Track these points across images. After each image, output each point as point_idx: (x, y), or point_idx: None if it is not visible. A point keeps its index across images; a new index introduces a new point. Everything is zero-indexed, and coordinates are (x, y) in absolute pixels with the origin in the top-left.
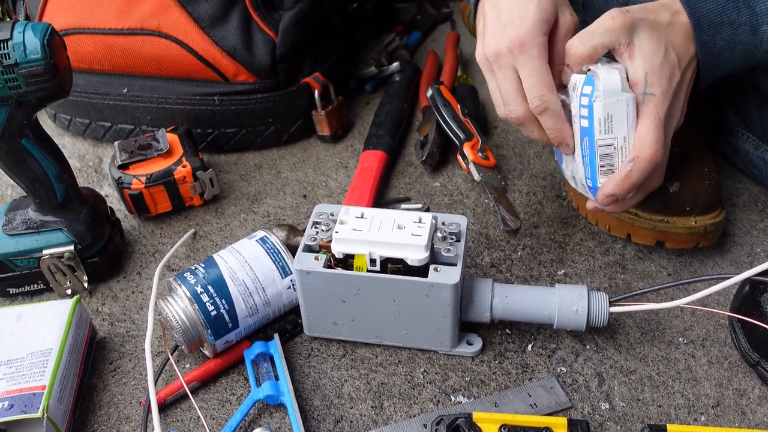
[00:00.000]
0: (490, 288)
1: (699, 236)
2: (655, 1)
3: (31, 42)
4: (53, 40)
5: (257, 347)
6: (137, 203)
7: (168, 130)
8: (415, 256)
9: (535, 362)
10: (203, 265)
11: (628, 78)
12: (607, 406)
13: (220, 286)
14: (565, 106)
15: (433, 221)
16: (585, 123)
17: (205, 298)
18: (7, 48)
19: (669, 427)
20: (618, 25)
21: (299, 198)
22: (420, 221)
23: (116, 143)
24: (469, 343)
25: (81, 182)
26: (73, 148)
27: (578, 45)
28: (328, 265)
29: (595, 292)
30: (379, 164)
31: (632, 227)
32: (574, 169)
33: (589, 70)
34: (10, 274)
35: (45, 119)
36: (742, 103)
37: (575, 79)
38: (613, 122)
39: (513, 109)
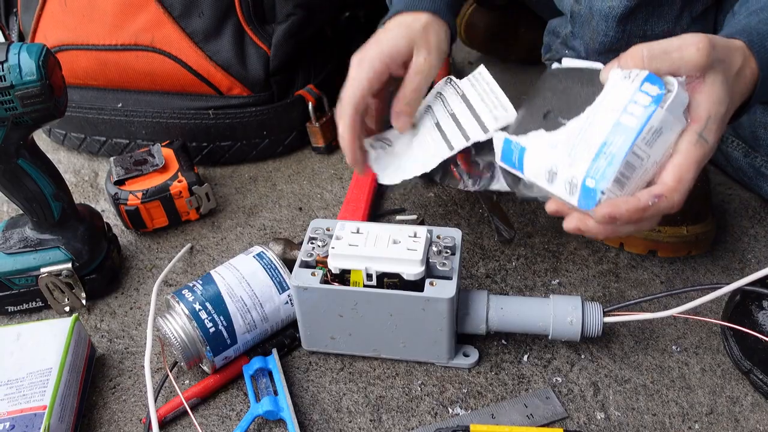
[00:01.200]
0: (485, 300)
1: (690, 245)
2: (727, 39)
3: (26, 64)
4: (48, 61)
5: (256, 362)
6: (134, 219)
7: (163, 144)
8: (411, 270)
9: (531, 373)
10: (201, 282)
11: (690, 109)
12: (603, 416)
13: (218, 302)
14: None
15: (428, 235)
16: (631, 121)
17: (203, 315)
18: (3, 70)
19: None
20: (701, 59)
21: (295, 210)
22: (415, 235)
23: (112, 159)
24: (466, 355)
25: (77, 197)
26: (68, 162)
27: (643, 57)
28: (324, 281)
29: (589, 302)
30: (373, 176)
31: (625, 237)
32: (558, 164)
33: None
34: (8, 292)
35: (40, 134)
36: None
37: (632, 70)
38: (659, 138)
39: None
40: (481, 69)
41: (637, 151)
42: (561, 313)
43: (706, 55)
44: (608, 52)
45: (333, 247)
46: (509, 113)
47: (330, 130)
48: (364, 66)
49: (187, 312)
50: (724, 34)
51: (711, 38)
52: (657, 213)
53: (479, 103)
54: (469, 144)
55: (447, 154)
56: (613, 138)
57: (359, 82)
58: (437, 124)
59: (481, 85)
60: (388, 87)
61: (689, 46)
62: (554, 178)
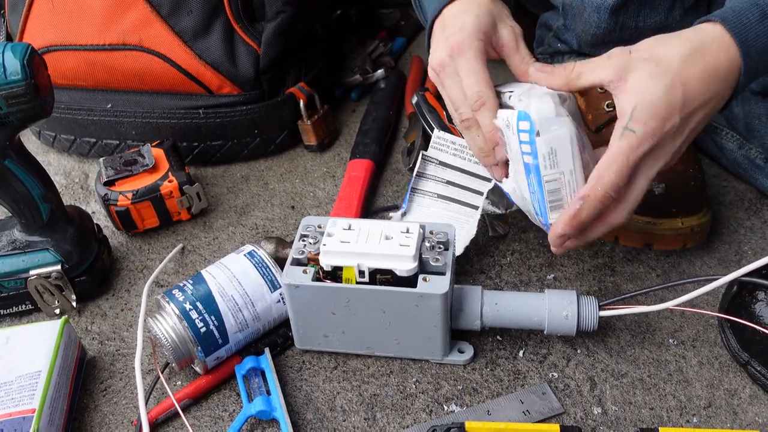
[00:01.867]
0: (479, 296)
1: (686, 237)
2: (679, 31)
3: (11, 63)
4: (33, 61)
5: (248, 362)
6: (124, 220)
7: (153, 144)
8: (404, 266)
9: (527, 368)
10: (191, 282)
11: (616, 110)
12: (600, 411)
13: (209, 302)
14: (502, 145)
15: (421, 231)
16: (529, 159)
17: (194, 314)
18: None
19: (661, 429)
20: (612, 65)
21: (287, 209)
22: (408, 231)
23: (101, 160)
24: (461, 351)
25: (67, 199)
26: (58, 164)
27: (566, 77)
28: (316, 278)
29: (585, 296)
30: (366, 173)
31: (620, 229)
32: (527, 208)
33: (520, 100)
34: None
35: (29, 136)
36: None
37: (505, 115)
38: (557, 156)
39: (462, 111)
40: (437, 133)
41: (548, 178)
42: (556, 307)
43: (617, 60)
44: (601, 44)
45: (324, 244)
46: None
47: (322, 127)
48: (465, 54)
49: (177, 312)
50: (698, 21)
51: (629, 47)
52: (593, 210)
53: (462, 162)
54: (484, 197)
55: (477, 215)
56: (529, 179)
57: (476, 71)
58: (441, 196)
59: (447, 145)
60: None
61: (602, 56)
62: (532, 217)
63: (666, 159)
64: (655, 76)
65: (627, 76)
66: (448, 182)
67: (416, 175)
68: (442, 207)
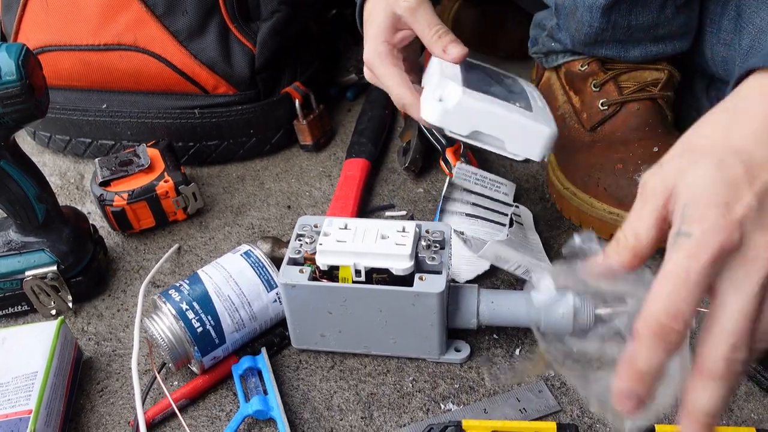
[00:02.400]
0: (476, 294)
1: None
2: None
3: (5, 63)
4: (28, 61)
5: (245, 362)
6: (120, 220)
7: (149, 144)
8: (400, 265)
9: (524, 366)
10: (188, 282)
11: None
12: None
13: (205, 302)
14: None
15: (417, 230)
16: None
17: (190, 315)
18: None
19: (657, 427)
20: (651, 208)
21: (283, 209)
22: (404, 230)
23: (97, 160)
24: (457, 350)
25: (63, 200)
26: (53, 165)
27: (618, 258)
28: (313, 278)
29: (581, 295)
30: (362, 172)
31: (616, 228)
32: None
33: None
34: None
35: (24, 136)
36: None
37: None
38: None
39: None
40: (459, 165)
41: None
42: (552, 306)
43: (653, 186)
44: (594, 43)
45: (321, 244)
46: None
47: (317, 127)
48: (375, 61)
49: (173, 312)
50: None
51: (653, 169)
52: (649, 349)
53: (484, 190)
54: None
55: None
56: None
57: (390, 75)
58: (470, 215)
59: (469, 176)
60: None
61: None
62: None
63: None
64: (697, 162)
65: (670, 187)
66: (474, 204)
67: (443, 197)
68: (471, 223)
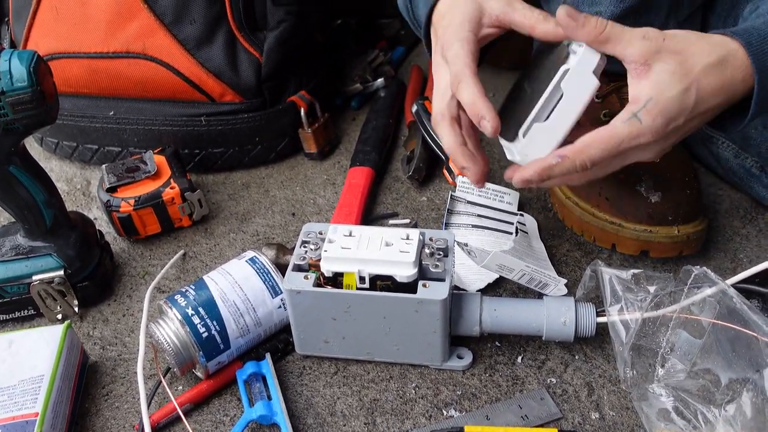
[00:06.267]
0: (478, 302)
1: (682, 245)
2: (708, 34)
3: (17, 70)
4: (39, 68)
5: (249, 367)
6: (126, 226)
7: (155, 151)
8: (404, 272)
9: (525, 374)
10: (194, 287)
11: (628, 93)
12: (597, 416)
13: (210, 307)
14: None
15: (421, 237)
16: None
17: (196, 320)
18: None
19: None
20: (643, 47)
21: (288, 216)
22: (407, 238)
23: (104, 166)
24: (460, 357)
25: (69, 205)
26: (60, 171)
27: (601, 32)
28: (317, 284)
29: (582, 303)
30: (366, 180)
31: (617, 237)
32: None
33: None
34: (0, 301)
35: (32, 142)
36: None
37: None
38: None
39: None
40: (461, 178)
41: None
42: (554, 314)
43: (650, 44)
44: None
45: (326, 250)
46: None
47: (322, 135)
48: (452, 46)
49: (179, 317)
50: (721, 31)
51: (664, 32)
52: (564, 173)
53: (488, 201)
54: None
55: (510, 240)
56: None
57: (459, 57)
58: (475, 226)
59: (472, 188)
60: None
61: (638, 33)
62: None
63: (649, 156)
64: (676, 75)
65: (653, 64)
66: (479, 215)
67: (447, 211)
68: (478, 234)
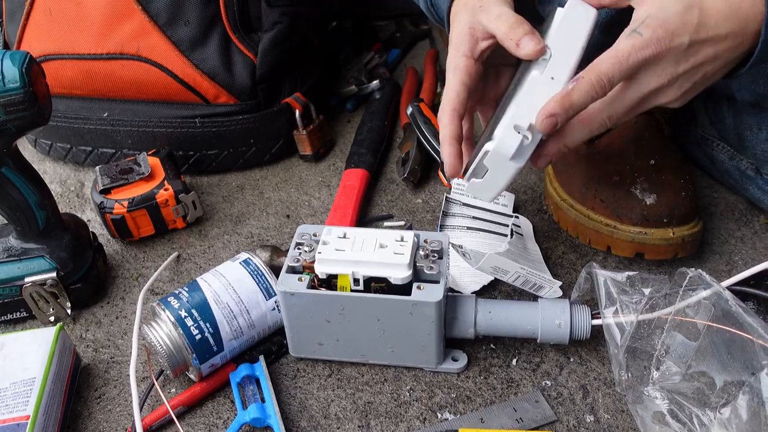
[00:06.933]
0: (473, 304)
1: (677, 247)
2: None
3: (9, 71)
4: (32, 69)
5: (243, 370)
6: (120, 228)
7: (149, 153)
8: (398, 274)
9: (520, 376)
10: (187, 289)
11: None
12: (592, 419)
13: (204, 309)
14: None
15: (415, 239)
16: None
17: (189, 322)
18: None
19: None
20: None
21: (282, 218)
22: (402, 240)
23: (97, 168)
24: (455, 360)
25: (63, 207)
26: (54, 173)
27: None
28: (311, 286)
29: (577, 305)
30: (361, 182)
31: (612, 240)
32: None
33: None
34: None
35: (26, 144)
36: (717, 114)
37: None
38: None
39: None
40: (456, 180)
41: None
42: (549, 316)
43: None
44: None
45: (320, 252)
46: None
47: (317, 137)
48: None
49: (172, 319)
50: None
51: None
52: (584, 94)
53: (482, 203)
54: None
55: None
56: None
57: (455, 45)
58: (470, 228)
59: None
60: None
61: None
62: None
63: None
64: None
65: None
66: (474, 217)
67: (442, 213)
68: (472, 236)
